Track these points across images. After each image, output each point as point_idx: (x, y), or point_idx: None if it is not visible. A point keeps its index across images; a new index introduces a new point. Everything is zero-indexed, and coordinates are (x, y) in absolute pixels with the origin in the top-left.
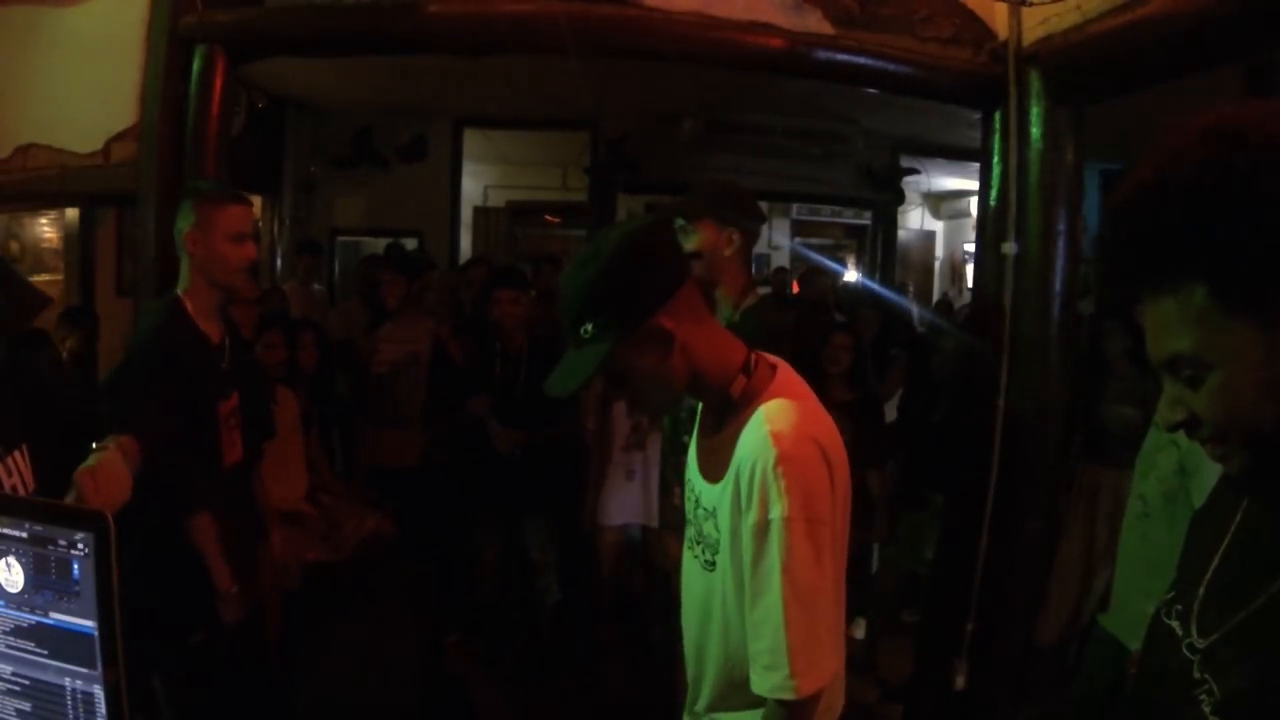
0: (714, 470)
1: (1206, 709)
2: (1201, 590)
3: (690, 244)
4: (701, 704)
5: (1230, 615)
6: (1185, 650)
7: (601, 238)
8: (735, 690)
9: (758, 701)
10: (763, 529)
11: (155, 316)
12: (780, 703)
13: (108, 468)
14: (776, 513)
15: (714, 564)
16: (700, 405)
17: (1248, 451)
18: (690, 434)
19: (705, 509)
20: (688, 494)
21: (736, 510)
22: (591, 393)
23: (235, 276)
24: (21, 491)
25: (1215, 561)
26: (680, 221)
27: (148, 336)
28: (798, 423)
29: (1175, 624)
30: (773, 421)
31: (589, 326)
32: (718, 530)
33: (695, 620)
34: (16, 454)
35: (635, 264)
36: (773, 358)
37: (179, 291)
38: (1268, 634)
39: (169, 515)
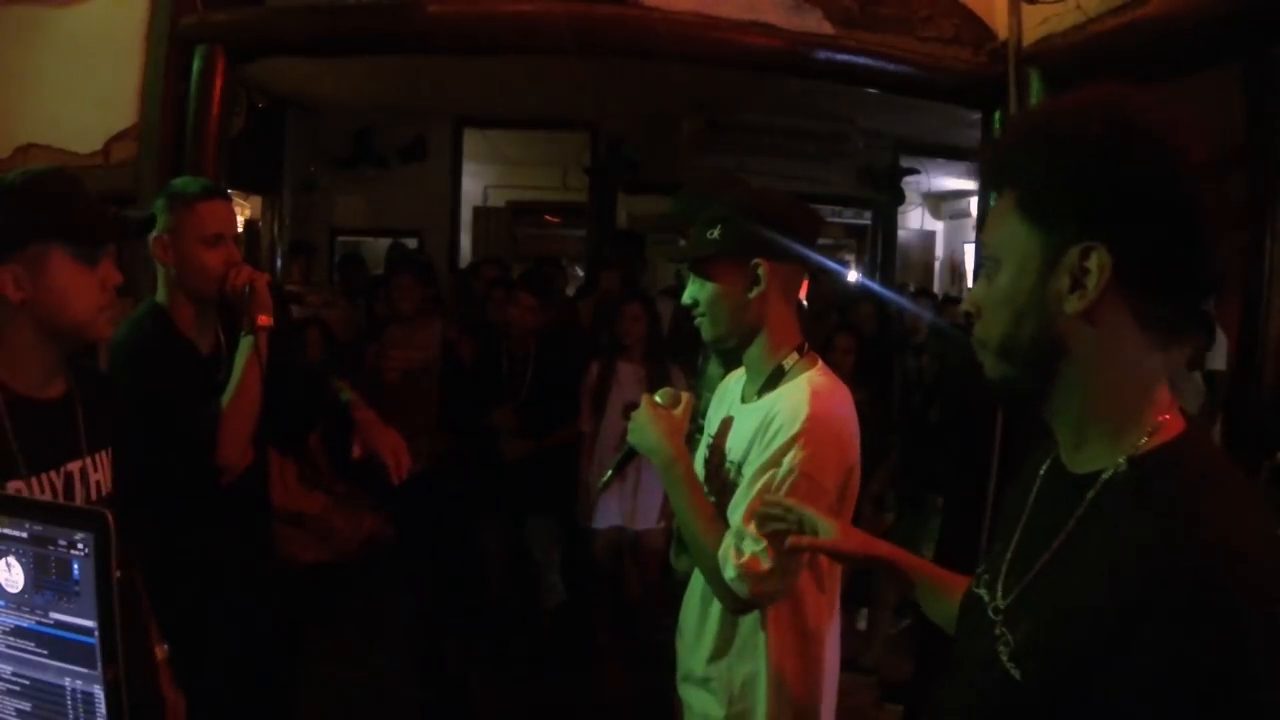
0: (748, 429)
1: (1004, 658)
2: (1008, 556)
3: None
4: (700, 658)
5: (1022, 577)
6: (990, 613)
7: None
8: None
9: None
10: (769, 467)
11: (125, 329)
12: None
13: None
14: (789, 461)
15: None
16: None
17: (1002, 362)
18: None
19: (732, 462)
20: (709, 457)
21: (755, 450)
22: (586, 394)
23: (215, 285)
24: (103, 490)
25: (1017, 533)
26: None
27: (120, 353)
28: (838, 401)
29: (983, 591)
30: (816, 389)
31: (718, 230)
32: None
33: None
34: (102, 454)
35: (786, 213)
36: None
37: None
38: (1047, 588)
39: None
